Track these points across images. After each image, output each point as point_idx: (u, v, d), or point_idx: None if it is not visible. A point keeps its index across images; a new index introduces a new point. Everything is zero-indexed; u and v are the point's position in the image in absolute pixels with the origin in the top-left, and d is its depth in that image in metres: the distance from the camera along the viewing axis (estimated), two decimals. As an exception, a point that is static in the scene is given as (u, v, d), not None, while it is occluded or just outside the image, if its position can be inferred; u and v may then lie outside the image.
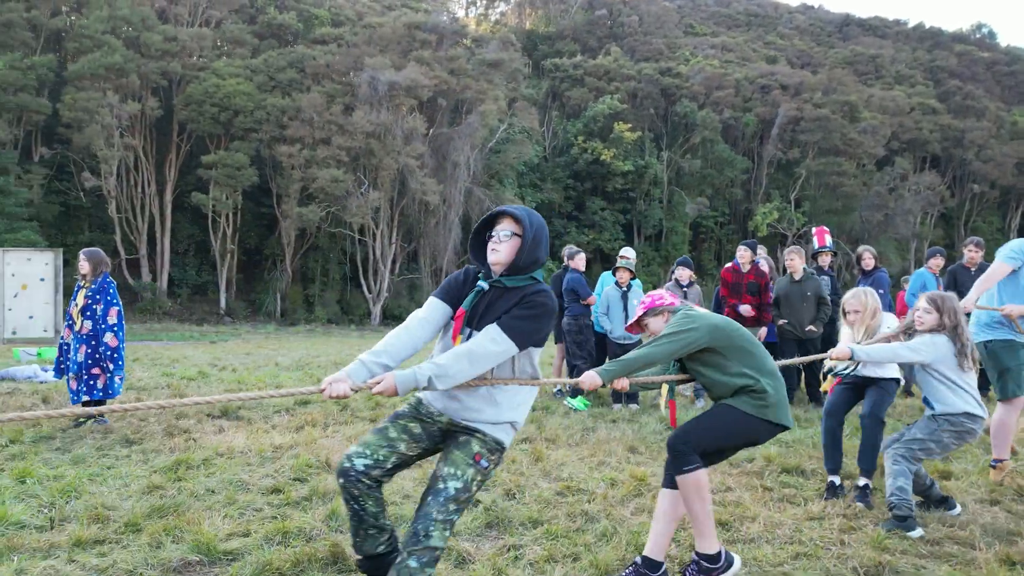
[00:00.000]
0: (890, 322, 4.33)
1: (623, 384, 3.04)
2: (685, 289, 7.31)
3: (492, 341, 2.55)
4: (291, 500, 3.76)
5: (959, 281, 7.78)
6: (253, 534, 3.28)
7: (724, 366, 3.04)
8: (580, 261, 7.64)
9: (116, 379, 5.83)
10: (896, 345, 3.95)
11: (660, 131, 44.95)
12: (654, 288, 8.34)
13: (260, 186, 34.57)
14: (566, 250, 7.82)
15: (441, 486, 2.55)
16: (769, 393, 2.98)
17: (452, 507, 2.53)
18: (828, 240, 8.19)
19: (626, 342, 7.17)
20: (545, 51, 53.58)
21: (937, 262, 8.11)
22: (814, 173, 40.93)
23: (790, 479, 4.52)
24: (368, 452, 2.61)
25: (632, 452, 5.15)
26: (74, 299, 5.88)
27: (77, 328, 5.77)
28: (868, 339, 4.17)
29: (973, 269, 7.92)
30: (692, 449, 2.93)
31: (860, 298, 4.31)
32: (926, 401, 4.02)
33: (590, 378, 2.93)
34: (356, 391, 2.51)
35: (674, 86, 44.66)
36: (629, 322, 5.26)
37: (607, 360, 7.39)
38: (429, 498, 2.55)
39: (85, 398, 5.67)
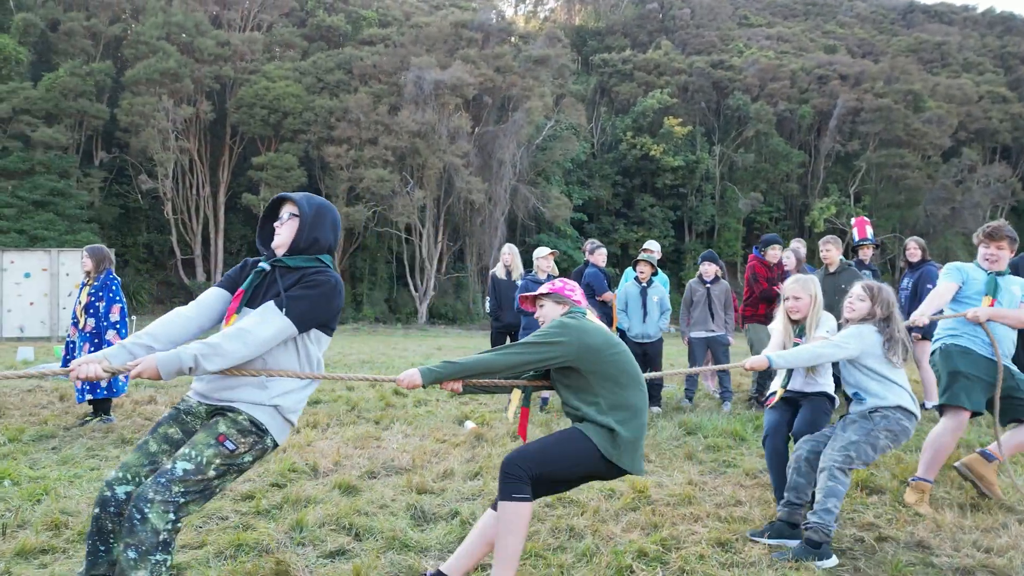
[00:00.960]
0: (829, 324, 3.84)
1: (454, 387, 2.74)
2: (709, 285, 6.89)
3: (265, 319, 2.40)
4: (260, 508, 3.56)
5: (1021, 274, 7.15)
6: (207, 546, 3.09)
7: (582, 389, 2.76)
8: (600, 256, 7.30)
9: (120, 376, 5.77)
10: (817, 344, 3.53)
11: (712, 125, 43.84)
12: (681, 284, 7.93)
13: (309, 186, 35.08)
14: (588, 244, 7.49)
15: (168, 466, 2.30)
16: (620, 434, 2.68)
17: (177, 489, 2.25)
18: (869, 232, 7.64)
19: (644, 341, 6.80)
20: (594, 47, 52.94)
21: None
22: (875, 166, 39.26)
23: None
24: (128, 476, 2.37)
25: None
26: (78, 297, 5.86)
27: (81, 326, 5.75)
28: (806, 337, 3.76)
29: None
30: (527, 475, 2.62)
31: (803, 284, 3.83)
32: (856, 396, 3.59)
33: (409, 377, 2.63)
34: (112, 373, 2.29)
35: (726, 79, 43.46)
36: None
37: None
38: (149, 479, 2.29)
39: (90, 396, 5.64)
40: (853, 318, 3.65)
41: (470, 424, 5.70)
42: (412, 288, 36.23)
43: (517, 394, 2.94)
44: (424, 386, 2.64)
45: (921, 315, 4.19)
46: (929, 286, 6.66)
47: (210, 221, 34.76)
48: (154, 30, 31.48)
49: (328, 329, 2.59)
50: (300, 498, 3.68)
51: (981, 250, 4.32)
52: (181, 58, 31.39)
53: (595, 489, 4.06)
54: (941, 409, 4.19)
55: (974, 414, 4.15)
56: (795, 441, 3.72)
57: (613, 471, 2.76)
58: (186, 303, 2.63)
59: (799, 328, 3.84)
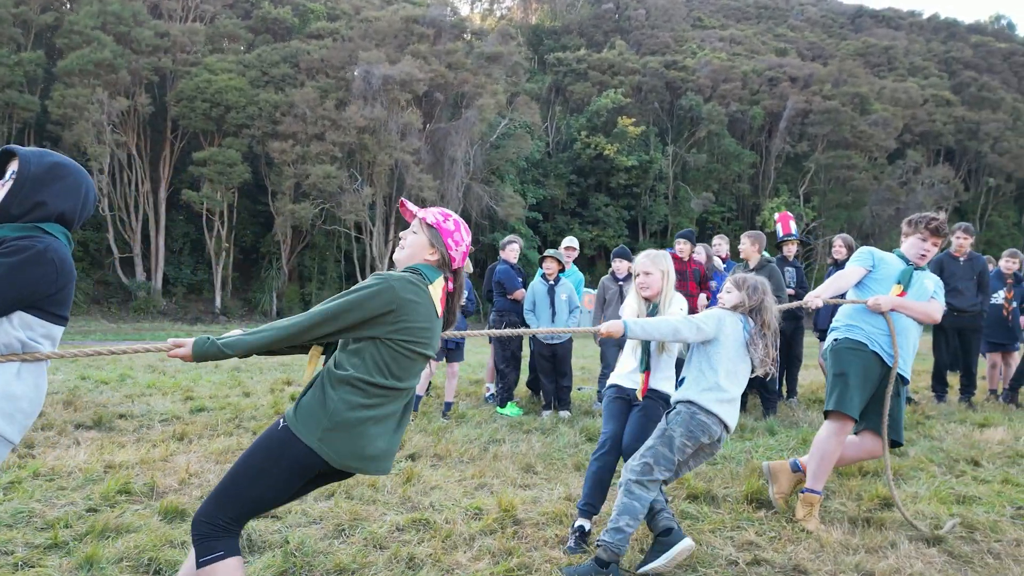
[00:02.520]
0: (681, 303, 3.57)
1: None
2: (621, 283, 6.57)
3: None
4: (58, 540, 3.08)
5: (945, 271, 7.00)
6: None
7: (364, 353, 2.19)
8: (512, 251, 6.93)
9: None
10: (676, 318, 3.23)
11: (665, 125, 44.04)
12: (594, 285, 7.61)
13: (255, 183, 34.15)
14: (504, 240, 7.12)
15: None
16: (372, 410, 2.16)
17: None
18: (793, 227, 7.42)
19: (553, 342, 6.45)
20: (550, 46, 52.79)
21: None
22: (823, 167, 39.85)
23: (694, 508, 3.78)
24: None
25: (526, 471, 4.45)
26: None
27: None
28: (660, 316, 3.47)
29: (962, 259, 7.13)
30: (222, 527, 2.13)
31: (653, 259, 3.54)
32: (682, 379, 3.28)
33: (181, 350, 2.17)
34: None
35: (679, 79, 43.72)
36: None
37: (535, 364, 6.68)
38: None
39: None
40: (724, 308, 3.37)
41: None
42: (362, 287, 35.54)
43: (317, 351, 2.38)
44: (195, 360, 2.16)
45: (817, 296, 3.82)
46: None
47: (150, 218, 33.55)
48: (89, 19, 30.21)
49: (46, 313, 2.07)
50: (109, 527, 3.21)
51: (915, 241, 3.88)
52: (117, 48, 30.20)
53: (459, 508, 3.67)
54: (827, 412, 3.85)
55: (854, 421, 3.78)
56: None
57: (333, 472, 2.24)
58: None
59: (651, 306, 3.55)
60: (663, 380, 3.52)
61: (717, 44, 50.03)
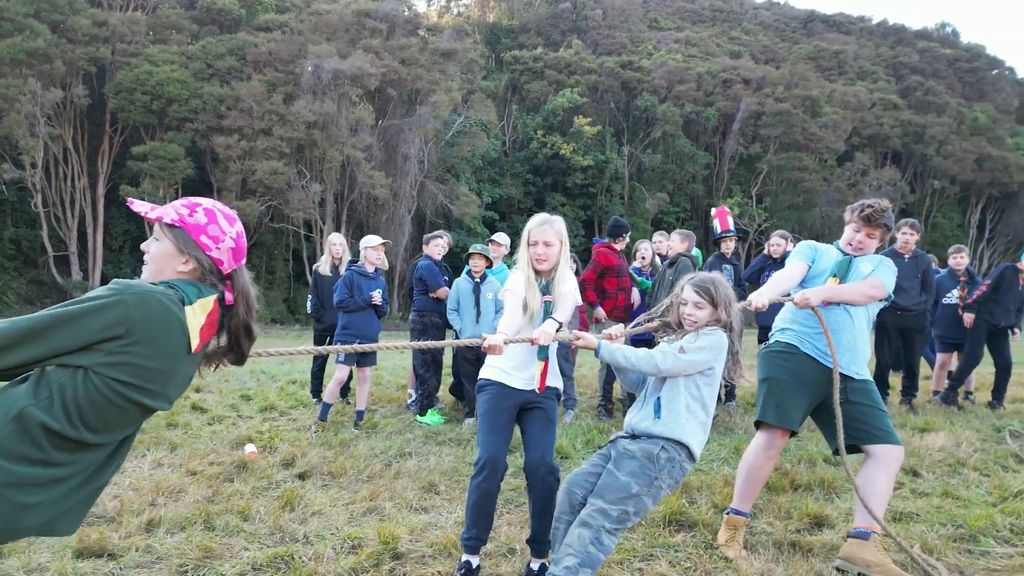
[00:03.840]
0: (572, 282, 3.06)
1: None
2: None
3: None
4: None
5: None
6: None
7: (45, 381, 1.58)
8: (435, 247, 6.45)
9: None
10: (661, 355, 2.69)
11: (620, 126, 44.03)
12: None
13: (200, 179, 33.01)
14: (428, 235, 6.65)
15: None
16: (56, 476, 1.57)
17: None
18: (731, 223, 7.11)
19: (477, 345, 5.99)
20: (508, 44, 52.42)
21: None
22: (775, 168, 40.27)
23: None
24: None
25: (427, 491, 3.99)
26: None
27: None
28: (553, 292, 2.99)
29: (907, 256, 6.90)
30: None
31: (552, 225, 3.01)
32: (656, 407, 2.71)
33: None
34: None
35: (635, 80, 43.73)
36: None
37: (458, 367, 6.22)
38: None
39: None
40: (696, 329, 2.82)
41: (250, 448, 4.75)
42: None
43: None
44: None
45: (759, 296, 3.37)
46: None
47: (87, 215, 32.17)
48: (21, 6, 28.77)
49: None
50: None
51: (850, 232, 3.53)
52: (52, 38, 28.86)
53: (337, 539, 3.19)
54: (757, 423, 3.47)
55: (792, 433, 3.38)
56: (531, 468, 2.93)
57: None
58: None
59: (544, 283, 3.01)
60: (552, 375, 3.02)
61: (673, 45, 50.26)
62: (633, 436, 2.75)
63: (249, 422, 5.86)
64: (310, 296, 6.92)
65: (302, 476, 4.20)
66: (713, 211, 7.37)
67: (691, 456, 2.69)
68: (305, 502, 3.67)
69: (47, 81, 28.58)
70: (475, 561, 2.90)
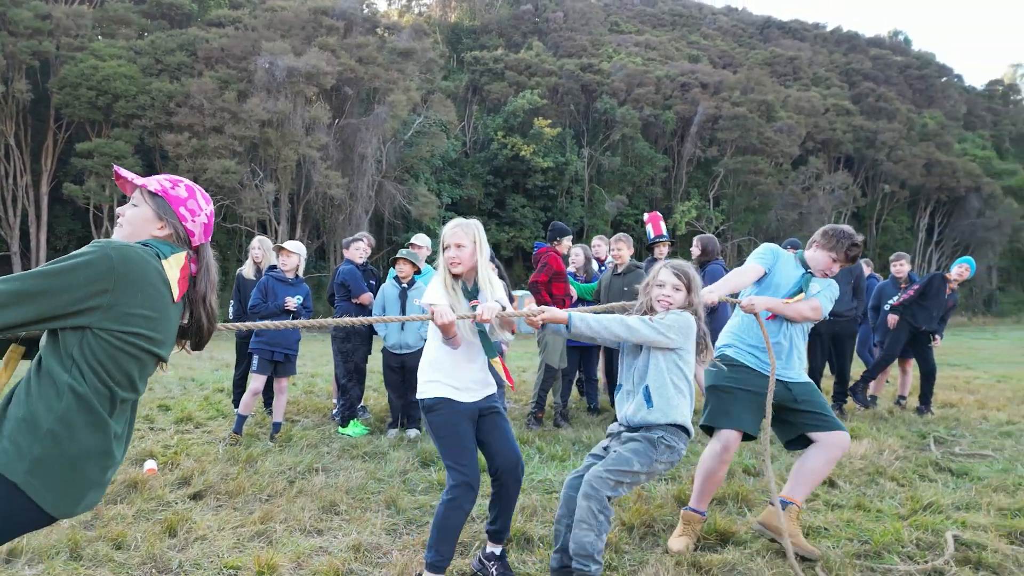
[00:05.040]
0: (500, 286, 3.11)
1: None
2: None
3: None
4: None
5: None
6: None
7: (68, 355, 1.69)
8: (356, 250, 6.26)
9: None
10: (634, 319, 2.89)
11: (580, 128, 44.14)
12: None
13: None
14: (347, 239, 6.44)
15: None
16: (55, 443, 1.66)
17: None
18: (664, 228, 7.06)
19: (403, 352, 5.82)
20: (469, 45, 52.19)
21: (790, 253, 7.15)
22: (732, 171, 40.76)
23: (516, 557, 3.22)
24: None
25: (327, 511, 3.81)
26: None
27: None
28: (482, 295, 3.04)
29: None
30: None
31: (463, 227, 3.07)
32: (646, 395, 2.90)
33: None
34: None
35: (595, 82, 43.87)
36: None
37: (386, 375, 6.03)
38: None
39: None
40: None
41: (149, 464, 4.50)
42: (266, 289, 33.97)
43: (16, 352, 1.85)
44: None
45: (710, 292, 3.45)
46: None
47: (30, 214, 31.08)
48: (-43, -4, 27.66)
49: None
50: None
51: (826, 259, 3.64)
52: (-9, 29, 27.79)
53: (214, 568, 2.99)
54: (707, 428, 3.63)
55: (746, 436, 3.55)
56: (497, 472, 3.04)
57: (40, 518, 1.71)
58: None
59: (468, 287, 3.01)
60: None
61: (632, 49, 50.57)
62: (631, 428, 2.95)
63: (160, 435, 5.59)
64: (232, 301, 6.66)
65: (196, 496, 3.98)
66: (646, 216, 7.32)
67: (687, 433, 2.95)
68: (189, 526, 3.46)
69: (-14, 75, 27.53)
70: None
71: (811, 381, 3.67)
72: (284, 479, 4.34)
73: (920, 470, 4.90)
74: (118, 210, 2.00)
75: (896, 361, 7.75)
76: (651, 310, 3.05)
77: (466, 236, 3.01)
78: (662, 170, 43.13)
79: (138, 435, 5.53)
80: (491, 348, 2.92)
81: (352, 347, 5.98)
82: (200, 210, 2.00)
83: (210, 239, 2.05)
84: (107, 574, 2.93)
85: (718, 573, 3.09)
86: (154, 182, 1.98)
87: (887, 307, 7.57)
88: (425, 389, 2.97)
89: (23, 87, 29.02)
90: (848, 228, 3.72)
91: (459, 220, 3.11)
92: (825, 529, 3.66)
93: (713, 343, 5.65)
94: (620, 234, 6.69)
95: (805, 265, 3.69)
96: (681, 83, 44.66)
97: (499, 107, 44.33)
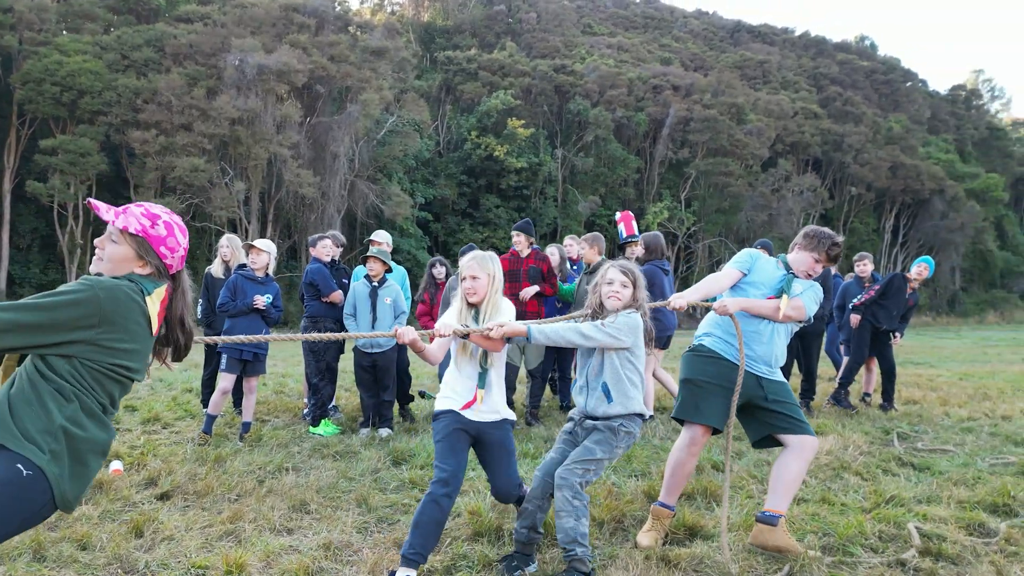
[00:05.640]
0: (509, 313, 3.26)
1: None
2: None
3: None
4: None
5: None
6: None
7: (57, 373, 1.87)
8: (322, 248, 6.20)
9: None
10: (587, 325, 3.10)
11: (554, 129, 44.27)
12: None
13: (116, 175, 31.51)
14: (314, 237, 6.40)
15: None
16: (79, 437, 1.87)
17: None
18: (636, 228, 7.12)
19: (373, 351, 5.80)
20: (442, 44, 52.04)
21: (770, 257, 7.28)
22: (703, 173, 41.20)
23: (473, 548, 3.23)
24: None
25: (296, 510, 3.78)
26: None
27: None
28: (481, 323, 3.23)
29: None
30: None
31: (480, 261, 3.25)
32: (604, 390, 3.14)
33: None
34: None
35: (568, 84, 44.02)
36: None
37: (357, 374, 6.00)
38: None
39: None
40: (615, 307, 3.22)
41: (116, 465, 4.43)
42: (236, 289, 33.53)
43: (12, 360, 1.98)
44: None
45: (680, 297, 3.52)
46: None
47: (-9, 212, 30.32)
48: (-86, -13, 26.89)
49: None
50: None
51: (808, 259, 3.68)
52: (-50, 22, 27.07)
53: (181, 569, 2.96)
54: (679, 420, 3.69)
55: (715, 431, 3.60)
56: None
57: (47, 508, 1.88)
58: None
59: (475, 311, 3.24)
60: (502, 403, 3.26)
61: (605, 51, 50.86)
62: (592, 418, 3.20)
63: (127, 435, 5.50)
64: (200, 300, 6.57)
65: (163, 496, 3.93)
66: (618, 215, 7.37)
67: (642, 418, 3.23)
68: (156, 526, 3.41)
69: (-55, 69, 26.79)
70: (413, 575, 2.85)
71: (786, 381, 3.71)
72: (254, 479, 4.30)
73: (884, 465, 5.01)
74: (96, 242, 2.09)
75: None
76: (600, 307, 3.25)
77: (481, 269, 3.22)
78: (634, 171, 43.44)
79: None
80: (479, 379, 3.17)
81: (323, 346, 5.94)
82: (179, 246, 2.12)
83: (184, 267, 2.20)
84: (72, 575, 2.88)
85: (687, 567, 3.14)
86: (133, 221, 2.02)
87: (851, 306, 7.72)
88: (438, 403, 3.29)
89: (-16, 82, 28.31)
90: (828, 230, 3.77)
91: (477, 253, 3.33)
92: (791, 523, 3.73)
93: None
94: (587, 234, 6.74)
95: (788, 268, 3.72)
96: (653, 85, 45.04)
97: (472, 107, 44.27)
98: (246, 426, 5.49)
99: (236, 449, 5.05)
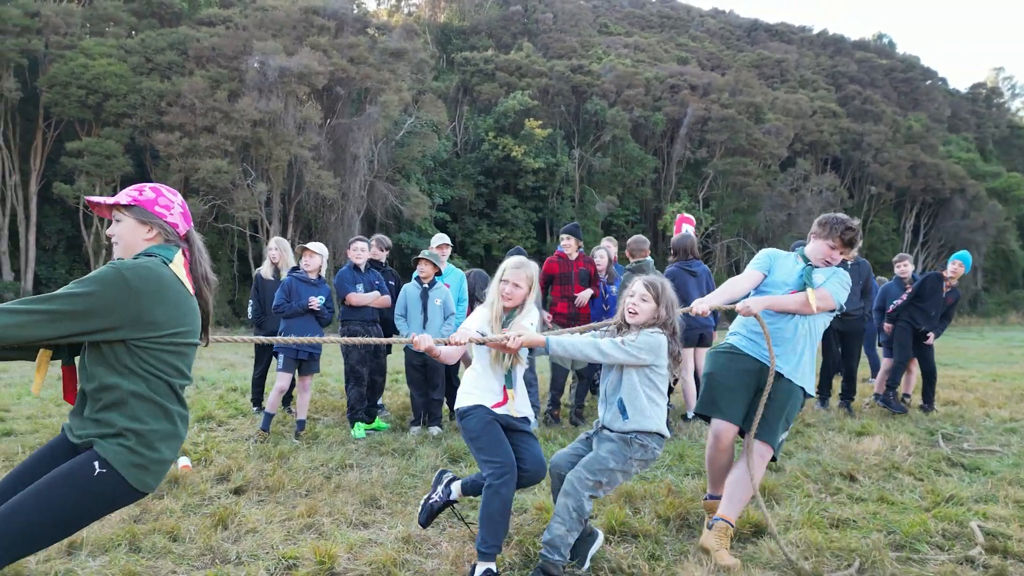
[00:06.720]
0: (534, 316, 3.31)
1: None
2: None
3: None
4: None
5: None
6: None
7: (121, 364, 1.98)
8: (353, 251, 6.08)
9: None
10: (606, 342, 3.06)
11: (571, 129, 44.30)
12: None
13: (140, 177, 31.88)
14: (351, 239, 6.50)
15: None
16: (157, 431, 2.02)
17: None
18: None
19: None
20: (459, 45, 52.20)
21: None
22: (721, 173, 41.09)
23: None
24: None
25: (368, 505, 3.89)
26: None
27: None
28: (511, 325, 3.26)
29: (850, 262, 7.06)
30: None
31: (524, 269, 3.27)
32: (620, 406, 3.11)
33: None
34: None
35: (585, 84, 44.02)
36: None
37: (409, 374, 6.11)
38: None
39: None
40: (636, 322, 3.18)
41: (184, 461, 4.56)
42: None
43: (46, 356, 2.04)
44: None
45: (701, 303, 3.52)
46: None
47: (19, 213, 30.78)
48: (-55, -7, 27.36)
49: None
50: None
51: (824, 247, 3.63)
52: (-21, 27, 27.51)
53: (272, 560, 3.07)
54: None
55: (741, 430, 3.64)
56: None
57: (128, 497, 2.05)
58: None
59: (506, 316, 3.28)
60: (523, 402, 3.30)
61: (622, 50, 50.82)
62: (609, 430, 3.19)
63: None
64: (251, 301, 6.70)
65: (238, 491, 4.05)
66: (678, 216, 7.44)
67: (661, 437, 3.14)
68: (239, 519, 3.53)
69: (-26, 73, 27.25)
70: (494, 567, 2.94)
71: (801, 388, 3.60)
72: (319, 475, 4.41)
73: (934, 465, 5.04)
74: (108, 231, 2.21)
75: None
76: (624, 322, 3.24)
77: (525, 280, 3.27)
78: (652, 171, 43.38)
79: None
80: (506, 379, 3.22)
81: (345, 350, 6.01)
82: (172, 203, 2.21)
83: (192, 225, 2.29)
84: (168, 564, 3.00)
85: (756, 563, 3.21)
86: (123, 196, 2.16)
87: (887, 312, 7.72)
88: (461, 400, 3.29)
89: (12, 85, 28.74)
90: (842, 215, 3.70)
91: (522, 260, 3.33)
92: (853, 521, 3.79)
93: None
94: (634, 237, 6.80)
95: (807, 260, 3.68)
96: (670, 85, 44.95)
97: (490, 108, 44.38)
98: (301, 424, 5.62)
99: (295, 447, 5.17)
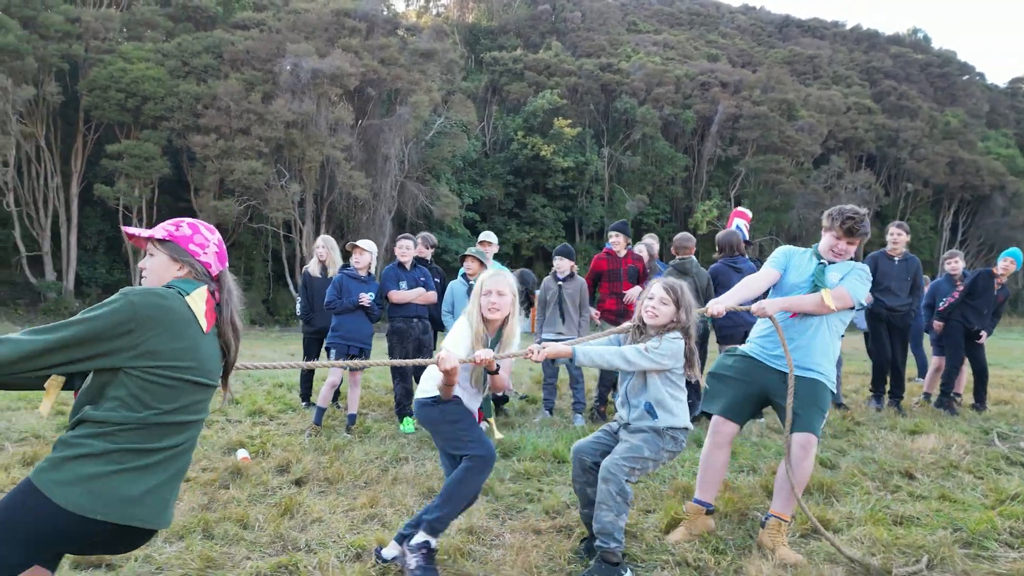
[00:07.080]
0: (517, 333, 3.20)
1: None
2: (561, 283, 6.17)
3: None
4: None
5: (879, 270, 6.83)
6: None
7: (108, 390, 1.90)
8: (398, 249, 6.16)
9: None
10: (629, 349, 3.10)
11: (600, 127, 44.16)
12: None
13: (177, 179, 32.54)
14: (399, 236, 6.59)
15: None
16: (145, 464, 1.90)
17: None
18: (736, 225, 7.15)
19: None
20: (487, 45, 52.35)
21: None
22: (753, 170, 40.66)
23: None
24: None
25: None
26: None
27: None
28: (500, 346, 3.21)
29: (897, 259, 6.95)
30: None
31: (504, 278, 3.15)
32: (648, 408, 3.17)
33: None
34: None
35: (614, 82, 43.87)
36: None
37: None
38: None
39: None
40: (655, 324, 3.21)
41: (242, 453, 4.66)
42: (292, 288, 34.25)
43: (56, 383, 1.96)
44: None
45: (716, 304, 3.48)
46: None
47: (61, 214, 31.55)
48: (-10, 1, 28.14)
49: None
50: None
51: (829, 239, 3.55)
52: (23, 33, 28.20)
53: (340, 547, 3.13)
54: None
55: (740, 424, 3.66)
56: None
57: (98, 531, 1.87)
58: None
59: (491, 339, 3.13)
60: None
61: (651, 48, 50.53)
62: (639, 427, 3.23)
63: (239, 427, 5.75)
64: (299, 298, 6.82)
65: (298, 482, 4.13)
66: (731, 215, 7.40)
67: (687, 430, 3.25)
68: (304, 509, 3.60)
69: (18, 78, 27.94)
70: (434, 542, 2.93)
71: (821, 382, 3.48)
72: (375, 467, 4.47)
73: (993, 463, 4.96)
74: (140, 264, 2.20)
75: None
76: (642, 322, 3.26)
77: (508, 286, 3.11)
78: (682, 169, 43.08)
79: (218, 426, 5.70)
80: (487, 407, 3.24)
81: (390, 346, 6.09)
82: (208, 241, 2.16)
83: (226, 265, 2.22)
84: (242, 551, 3.07)
85: (822, 559, 3.19)
86: (160, 230, 2.14)
87: (937, 310, 7.60)
88: (426, 388, 3.13)
89: (54, 90, 29.45)
90: (849, 205, 3.62)
91: (497, 270, 3.31)
92: (917, 518, 3.74)
93: (720, 339, 5.91)
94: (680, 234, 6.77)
95: (819, 257, 3.59)
96: (701, 82, 44.58)
97: (519, 107, 44.44)
98: (352, 418, 5.70)
99: (347, 440, 5.25)
